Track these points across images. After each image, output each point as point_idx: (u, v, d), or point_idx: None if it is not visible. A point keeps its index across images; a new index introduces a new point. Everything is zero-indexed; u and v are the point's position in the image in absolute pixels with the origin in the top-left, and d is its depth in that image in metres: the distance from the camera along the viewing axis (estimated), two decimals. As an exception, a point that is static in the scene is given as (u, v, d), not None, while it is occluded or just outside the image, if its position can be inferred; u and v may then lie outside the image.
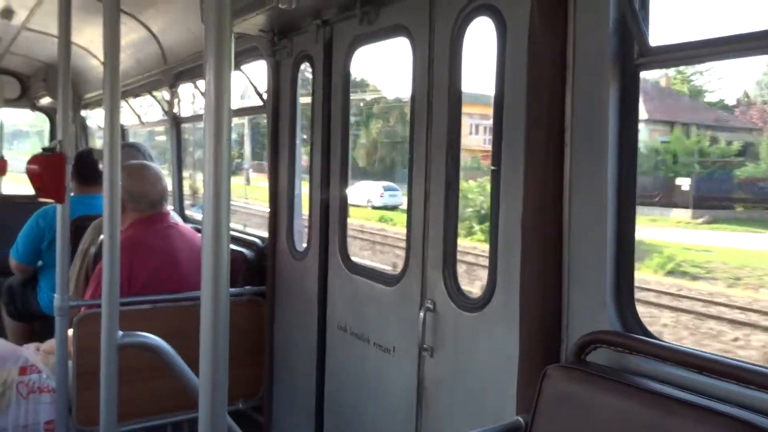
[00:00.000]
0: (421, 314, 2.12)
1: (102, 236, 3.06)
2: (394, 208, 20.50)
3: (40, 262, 4.28)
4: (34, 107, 7.43)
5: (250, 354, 2.94)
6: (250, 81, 3.17)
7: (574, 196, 1.65)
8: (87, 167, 4.32)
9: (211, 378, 1.39)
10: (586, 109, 1.63)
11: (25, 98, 7.23)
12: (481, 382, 1.96)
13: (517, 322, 1.73)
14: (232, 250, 3.16)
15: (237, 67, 3.32)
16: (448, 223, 2.11)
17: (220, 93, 1.29)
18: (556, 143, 1.66)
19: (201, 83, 4.25)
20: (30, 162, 2.40)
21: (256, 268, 3.02)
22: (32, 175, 2.39)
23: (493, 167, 1.93)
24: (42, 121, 11.62)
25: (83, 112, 6.76)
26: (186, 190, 5.15)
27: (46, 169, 2.37)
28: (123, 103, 5.94)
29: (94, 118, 6.79)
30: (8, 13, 4.60)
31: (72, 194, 5.99)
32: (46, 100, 6.81)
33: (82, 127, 6.78)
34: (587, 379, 1.50)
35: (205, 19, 2.45)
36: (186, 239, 2.97)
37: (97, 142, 7.12)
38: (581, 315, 1.65)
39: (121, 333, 1.90)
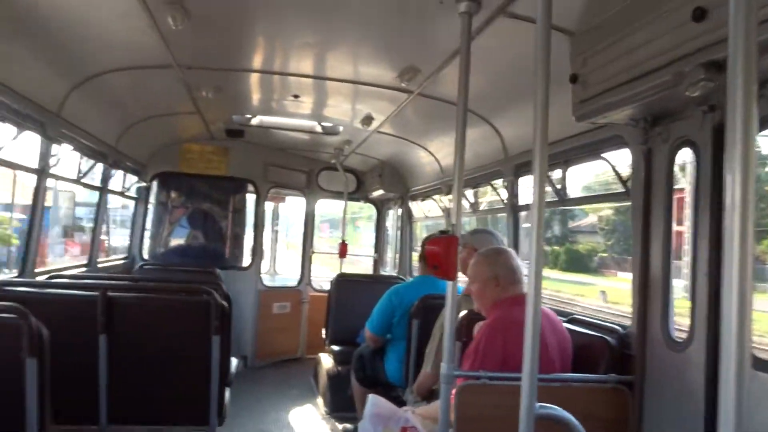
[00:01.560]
0: None
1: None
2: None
3: (389, 335, 4.79)
4: (367, 199, 8.56)
5: None
6: (614, 169, 3.22)
7: None
8: (433, 250, 4.78)
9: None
10: None
11: (359, 191, 8.40)
12: None
13: None
14: (593, 336, 3.14)
15: (598, 156, 3.41)
16: None
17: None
18: None
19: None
20: (428, 243, 2.72)
21: (618, 355, 2.94)
22: (430, 255, 2.69)
23: None
24: (357, 209, 13.35)
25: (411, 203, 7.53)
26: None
27: (442, 249, 2.65)
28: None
29: (417, 207, 7.52)
30: (368, 120, 5.47)
31: (416, 275, 6.68)
32: (377, 193, 7.81)
33: (408, 215, 7.55)
34: None
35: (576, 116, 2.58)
36: (549, 319, 3.04)
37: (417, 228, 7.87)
38: None
39: (538, 405, 1.99)
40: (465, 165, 5.24)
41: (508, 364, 2.82)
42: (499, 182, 4.82)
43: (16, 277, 4.03)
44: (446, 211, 6.12)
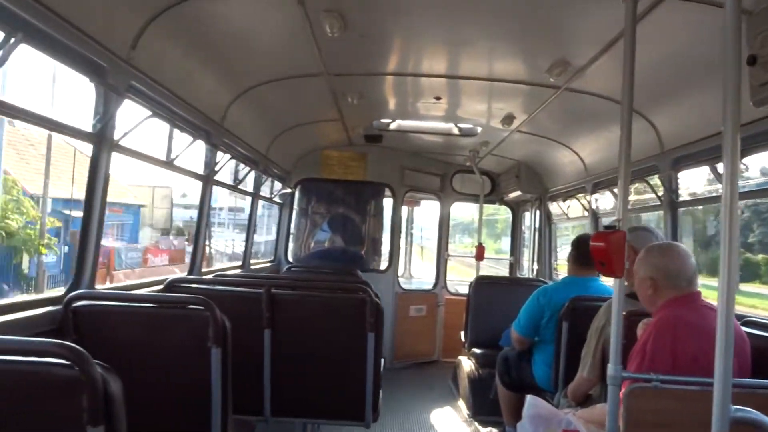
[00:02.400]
0: None
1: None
2: None
3: (536, 338, 4.67)
4: (502, 201, 8.44)
5: None
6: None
7: None
8: (584, 251, 4.60)
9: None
10: None
11: (494, 194, 8.30)
12: None
13: None
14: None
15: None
16: None
17: None
18: None
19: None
20: (594, 239, 2.61)
21: None
22: (596, 251, 2.59)
23: None
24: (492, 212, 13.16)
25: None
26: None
27: (609, 245, 2.54)
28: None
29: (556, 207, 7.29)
30: (509, 119, 5.39)
31: (557, 278, 6.53)
32: (513, 194, 7.67)
33: (547, 216, 7.34)
34: None
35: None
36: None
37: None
38: None
39: (734, 408, 1.84)
40: (611, 162, 5.02)
41: (677, 367, 2.64)
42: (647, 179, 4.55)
43: (186, 275, 4.40)
44: (591, 212, 5.88)
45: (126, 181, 20.97)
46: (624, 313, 3.26)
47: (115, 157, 3.04)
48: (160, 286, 3.62)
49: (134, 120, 3.23)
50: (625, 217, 2.61)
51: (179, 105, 3.62)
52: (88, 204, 2.96)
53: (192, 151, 4.11)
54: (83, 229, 2.95)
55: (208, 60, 3.70)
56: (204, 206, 4.58)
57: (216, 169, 4.57)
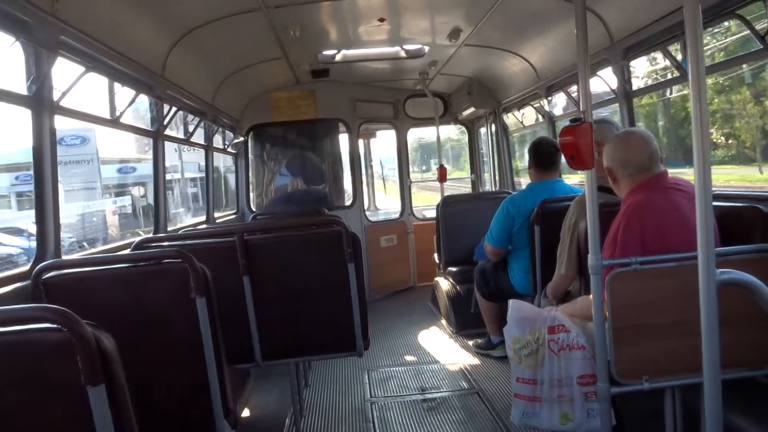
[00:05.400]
0: None
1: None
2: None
3: (510, 246, 4.76)
4: (456, 121, 8.42)
5: None
6: (749, 25, 2.94)
7: None
8: (543, 155, 4.65)
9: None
10: None
11: (448, 114, 8.26)
12: None
13: None
14: (741, 206, 2.97)
15: (732, 14, 3.12)
16: None
17: None
18: None
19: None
20: (562, 134, 2.62)
21: None
22: (565, 145, 2.60)
23: None
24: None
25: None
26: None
27: (577, 137, 2.55)
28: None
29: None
30: (456, 33, 5.29)
31: (519, 188, 6.62)
32: (467, 112, 7.64)
33: (503, 129, 7.36)
34: None
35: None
36: (690, 196, 2.89)
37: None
38: None
39: (719, 271, 1.91)
40: (563, 62, 4.99)
41: (648, 248, 2.72)
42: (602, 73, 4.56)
43: (153, 235, 4.29)
44: (548, 116, 5.92)
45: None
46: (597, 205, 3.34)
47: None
48: (128, 250, 3.51)
49: (71, 79, 3.05)
50: (589, 108, 2.62)
51: (115, 58, 3.42)
52: (39, 172, 2.81)
53: (139, 108, 3.93)
54: (37, 199, 2.81)
55: (140, 5, 3.49)
56: (159, 163, 4.42)
57: (165, 123, 4.39)
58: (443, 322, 6.44)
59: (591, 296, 2.74)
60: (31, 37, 2.61)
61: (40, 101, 2.76)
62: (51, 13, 2.71)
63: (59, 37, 2.82)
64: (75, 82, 3.04)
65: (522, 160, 7.50)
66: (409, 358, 5.48)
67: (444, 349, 5.60)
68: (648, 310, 2.63)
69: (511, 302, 3.25)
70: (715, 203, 3.09)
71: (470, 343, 5.54)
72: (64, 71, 2.98)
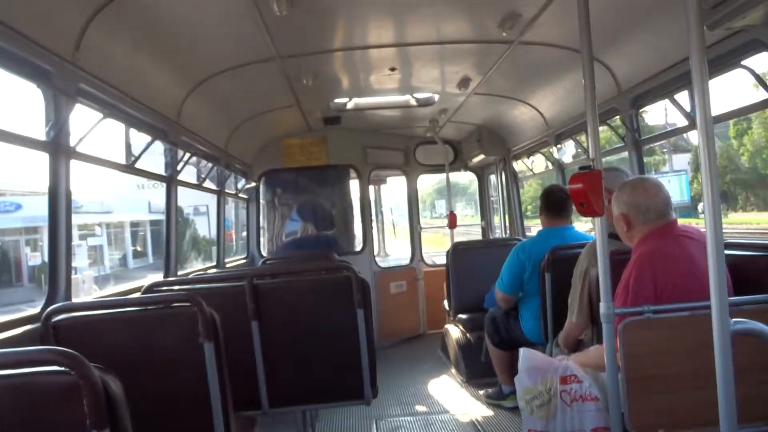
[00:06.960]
0: None
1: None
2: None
3: (520, 294, 4.72)
4: (466, 167, 8.48)
5: None
6: (757, 76, 2.97)
7: None
8: (555, 201, 4.65)
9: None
10: None
11: (458, 161, 8.33)
12: None
13: None
14: (755, 256, 2.94)
15: (737, 65, 3.16)
16: None
17: None
18: None
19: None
20: (571, 181, 2.63)
21: None
22: (575, 193, 2.60)
23: None
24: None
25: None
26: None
27: (586, 184, 2.56)
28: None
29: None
30: (466, 82, 5.38)
31: (529, 234, 6.60)
32: (477, 159, 7.70)
33: (513, 176, 7.40)
34: None
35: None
36: (701, 244, 2.87)
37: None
38: None
39: (733, 320, 1.87)
40: (571, 111, 5.06)
41: (659, 297, 2.69)
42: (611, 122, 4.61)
43: (163, 279, 4.29)
44: (557, 163, 5.95)
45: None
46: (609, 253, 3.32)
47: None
48: (138, 294, 3.52)
49: (89, 125, 3.11)
50: (598, 156, 2.63)
51: (132, 105, 3.51)
52: (53, 216, 2.85)
53: (153, 153, 4.00)
54: (51, 242, 2.84)
55: (157, 54, 3.59)
56: (171, 208, 4.47)
57: (178, 168, 4.45)
58: (453, 370, 6.33)
59: (603, 345, 2.70)
60: (51, 85, 2.68)
61: (58, 146, 2.82)
62: (71, 62, 2.79)
63: (79, 84, 2.90)
64: (92, 128, 3.11)
65: (532, 203, 7.53)
66: (418, 407, 5.37)
67: (454, 398, 5.50)
68: (662, 360, 2.58)
69: (521, 351, 3.20)
70: (726, 252, 3.08)
71: (481, 392, 5.43)
72: (81, 116, 3.06)
